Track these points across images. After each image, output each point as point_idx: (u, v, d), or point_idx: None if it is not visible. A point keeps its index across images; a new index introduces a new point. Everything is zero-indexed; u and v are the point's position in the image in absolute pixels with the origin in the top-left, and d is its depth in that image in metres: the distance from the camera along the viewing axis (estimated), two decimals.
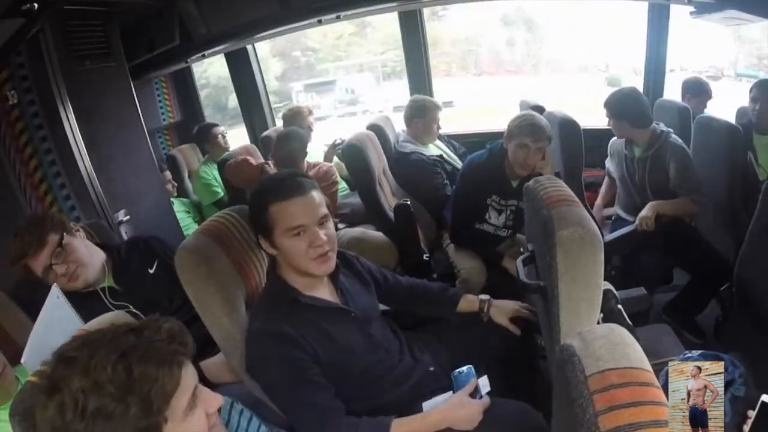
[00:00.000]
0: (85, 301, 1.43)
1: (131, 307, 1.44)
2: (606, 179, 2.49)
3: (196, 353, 1.42)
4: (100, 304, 1.45)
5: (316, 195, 1.11)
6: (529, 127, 1.85)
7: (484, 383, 1.16)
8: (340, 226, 2.45)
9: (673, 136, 2.09)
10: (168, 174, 2.99)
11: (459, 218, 2.07)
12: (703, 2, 2.24)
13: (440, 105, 2.67)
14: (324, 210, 1.11)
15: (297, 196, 1.07)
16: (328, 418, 1.07)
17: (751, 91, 2.31)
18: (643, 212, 1.98)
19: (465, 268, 2.03)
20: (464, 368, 1.19)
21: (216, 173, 2.99)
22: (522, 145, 1.85)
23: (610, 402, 0.50)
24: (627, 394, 0.51)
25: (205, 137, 3.18)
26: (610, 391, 0.51)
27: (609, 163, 2.35)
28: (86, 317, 1.33)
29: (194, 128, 3.34)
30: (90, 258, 1.47)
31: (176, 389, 0.66)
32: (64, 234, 1.43)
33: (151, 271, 1.55)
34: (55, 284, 1.26)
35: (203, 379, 1.39)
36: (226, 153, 2.81)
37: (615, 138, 2.27)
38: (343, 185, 3.12)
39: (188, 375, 0.69)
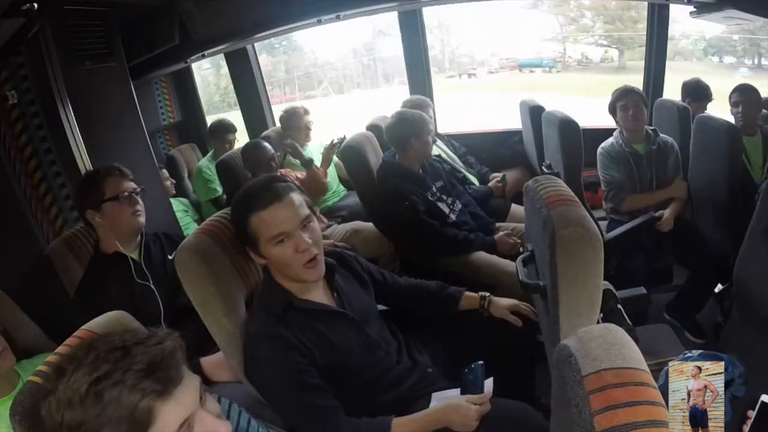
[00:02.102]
0: (115, 264, 1.55)
1: (151, 282, 1.55)
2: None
3: (199, 349, 1.46)
4: (127, 271, 1.54)
5: (296, 197, 1.09)
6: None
7: (487, 386, 1.16)
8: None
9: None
10: (165, 172, 3.00)
11: (432, 233, 2.05)
12: (703, 2, 2.24)
13: (432, 104, 2.68)
14: (305, 211, 1.09)
15: (275, 202, 1.06)
16: (328, 420, 1.07)
17: (730, 97, 2.37)
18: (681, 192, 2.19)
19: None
20: (474, 365, 1.17)
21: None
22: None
23: (606, 402, 0.50)
24: (623, 394, 0.50)
25: (217, 136, 3.20)
26: (606, 391, 0.51)
27: (609, 171, 2.25)
28: (114, 279, 1.50)
29: (210, 123, 3.38)
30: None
31: (149, 425, 0.64)
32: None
33: (170, 258, 1.62)
34: None
35: (202, 377, 1.40)
36: (225, 154, 2.82)
37: (606, 144, 2.27)
38: (341, 187, 3.13)
39: (167, 412, 0.65)
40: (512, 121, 3.06)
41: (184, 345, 0.72)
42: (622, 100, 2.19)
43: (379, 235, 2.28)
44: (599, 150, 2.29)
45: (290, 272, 1.11)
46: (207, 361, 1.45)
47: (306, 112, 3.00)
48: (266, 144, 2.44)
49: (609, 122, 2.33)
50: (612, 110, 2.26)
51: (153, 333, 0.71)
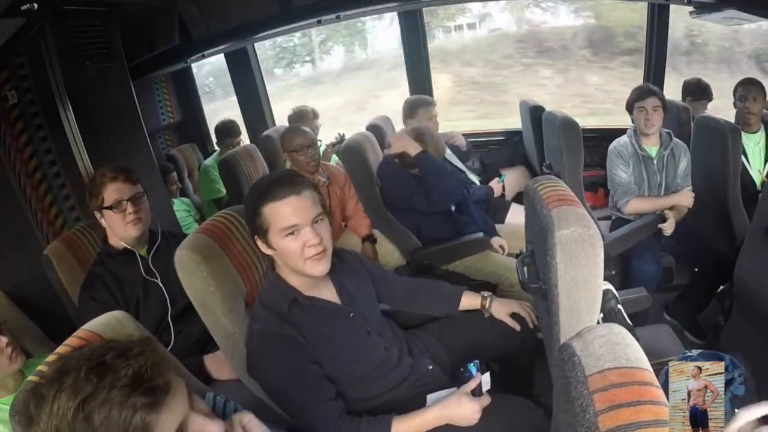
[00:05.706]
0: (123, 260, 1.53)
1: (159, 280, 1.53)
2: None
3: (203, 347, 1.45)
4: (135, 268, 1.53)
5: (311, 194, 1.10)
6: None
7: (485, 381, 1.16)
8: None
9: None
10: (174, 175, 3.00)
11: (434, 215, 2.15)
12: (703, 2, 2.25)
13: (435, 102, 2.68)
14: (318, 209, 1.10)
15: (290, 195, 1.07)
16: (329, 418, 1.07)
17: (735, 90, 2.32)
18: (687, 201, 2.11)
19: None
20: (471, 363, 1.18)
21: None
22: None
23: (611, 401, 0.50)
24: (627, 394, 0.50)
25: (220, 139, 3.16)
26: (610, 391, 0.51)
27: (618, 171, 2.16)
28: (122, 276, 1.50)
29: (216, 124, 3.31)
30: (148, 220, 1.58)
31: None
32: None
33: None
34: None
35: (204, 375, 1.40)
36: (226, 153, 2.82)
37: (618, 143, 2.19)
38: None
39: (162, 422, 0.63)
40: None
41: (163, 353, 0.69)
42: (640, 102, 2.10)
43: (382, 242, 2.28)
44: (611, 147, 2.21)
45: (295, 265, 1.11)
46: (210, 359, 1.45)
47: (315, 115, 3.00)
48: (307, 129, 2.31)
49: (611, 122, 2.32)
50: (629, 109, 2.16)
51: (130, 343, 0.67)
